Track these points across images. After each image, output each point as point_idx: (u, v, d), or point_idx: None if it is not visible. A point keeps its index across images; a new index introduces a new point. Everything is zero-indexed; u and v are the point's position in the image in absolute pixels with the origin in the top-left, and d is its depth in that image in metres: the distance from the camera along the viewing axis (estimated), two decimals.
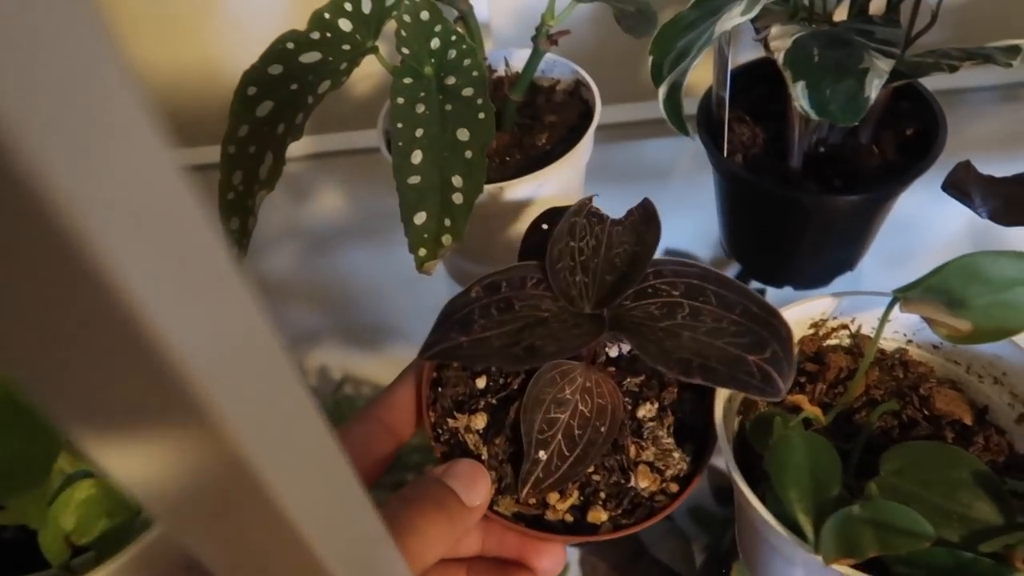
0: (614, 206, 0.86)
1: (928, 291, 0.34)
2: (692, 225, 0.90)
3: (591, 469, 0.34)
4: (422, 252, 0.41)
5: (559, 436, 0.33)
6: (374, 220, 0.82)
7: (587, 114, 0.56)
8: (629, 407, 0.36)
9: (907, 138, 0.52)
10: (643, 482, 0.32)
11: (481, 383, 0.37)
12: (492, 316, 0.32)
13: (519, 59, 0.59)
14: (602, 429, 0.33)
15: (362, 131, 0.78)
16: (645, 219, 0.35)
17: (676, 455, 0.34)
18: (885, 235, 0.55)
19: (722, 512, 0.72)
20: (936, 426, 0.39)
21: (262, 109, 0.44)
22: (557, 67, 0.58)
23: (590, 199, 0.36)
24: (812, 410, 0.37)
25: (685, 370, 0.30)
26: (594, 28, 0.72)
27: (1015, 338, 0.37)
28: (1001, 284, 0.33)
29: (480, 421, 0.35)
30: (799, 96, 0.38)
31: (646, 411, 0.36)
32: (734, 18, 0.40)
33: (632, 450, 0.34)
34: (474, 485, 0.31)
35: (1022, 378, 0.38)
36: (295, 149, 0.80)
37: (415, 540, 0.29)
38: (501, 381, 0.37)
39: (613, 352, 0.38)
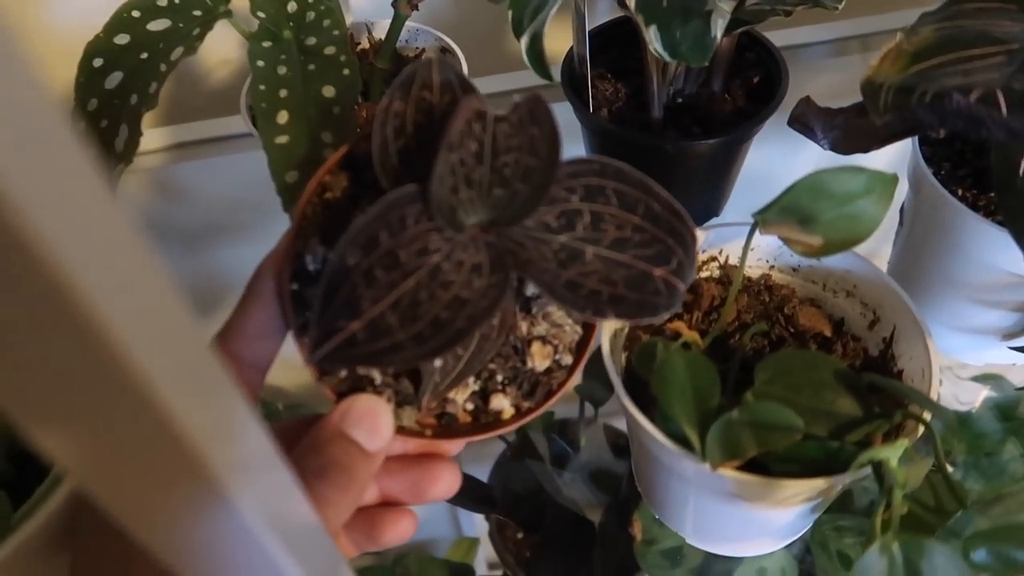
0: None
1: (782, 211, 0.37)
2: None
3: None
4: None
5: None
6: (245, 213, 0.79)
7: None
8: (515, 285, 0.32)
9: (754, 86, 0.55)
10: (538, 360, 0.32)
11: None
12: (378, 282, 0.27)
13: (381, 29, 0.58)
14: (494, 322, 0.30)
15: (224, 118, 0.75)
16: (533, 117, 0.28)
17: (567, 327, 0.32)
18: (746, 184, 0.59)
19: (621, 465, 0.75)
20: (801, 341, 0.42)
21: (111, 81, 0.42)
22: (421, 36, 0.58)
23: (477, 99, 0.28)
24: (690, 335, 0.39)
25: (597, 308, 0.28)
26: (455, 0, 0.72)
27: (861, 252, 0.41)
28: (844, 198, 0.36)
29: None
30: (652, 39, 0.40)
31: (535, 288, 0.32)
32: None
33: (523, 328, 0.32)
34: (377, 428, 0.29)
35: (870, 288, 0.41)
36: (154, 141, 0.76)
37: (328, 511, 0.27)
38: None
39: (551, 297, 0.36)
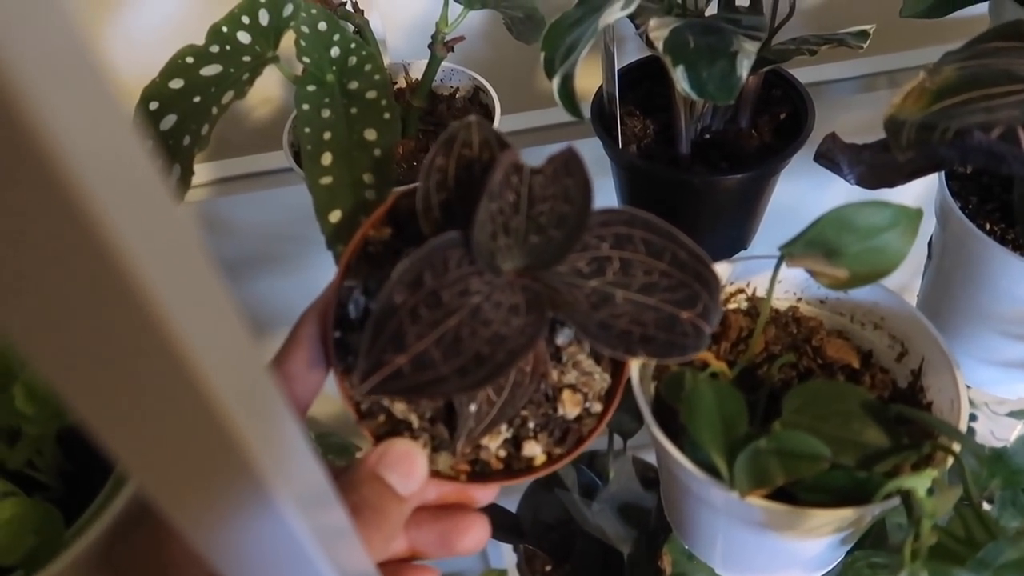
0: None
1: (808, 245, 0.38)
2: None
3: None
4: (340, 248, 0.42)
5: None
6: (287, 245, 0.82)
7: (488, 118, 0.58)
8: (547, 336, 0.34)
9: (781, 122, 0.56)
10: (569, 407, 0.33)
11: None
12: (422, 319, 0.28)
13: (418, 69, 0.61)
14: (527, 369, 0.32)
15: (266, 153, 0.78)
16: (568, 169, 0.30)
17: (597, 375, 0.34)
18: (775, 217, 0.60)
19: (650, 498, 0.75)
20: (829, 372, 0.42)
21: (165, 123, 0.44)
22: (455, 76, 0.61)
23: (516, 153, 0.30)
24: (718, 365, 0.40)
25: (628, 346, 0.29)
26: (489, 42, 0.75)
27: (888, 285, 0.41)
28: (869, 232, 0.37)
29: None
30: (680, 79, 0.41)
31: (564, 337, 0.34)
32: (615, 12, 0.43)
33: (554, 375, 0.33)
34: (412, 472, 0.30)
35: (897, 321, 0.42)
36: (200, 175, 0.79)
37: None
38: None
39: (586, 337, 0.37)
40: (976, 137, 0.32)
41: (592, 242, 0.31)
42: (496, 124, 0.56)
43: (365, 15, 0.56)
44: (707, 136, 0.55)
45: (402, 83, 0.61)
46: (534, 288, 0.30)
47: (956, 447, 0.34)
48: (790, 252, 0.38)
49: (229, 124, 0.77)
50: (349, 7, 0.55)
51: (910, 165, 0.39)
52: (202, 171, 0.78)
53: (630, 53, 0.70)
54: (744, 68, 0.40)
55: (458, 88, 0.61)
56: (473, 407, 0.31)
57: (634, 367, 0.41)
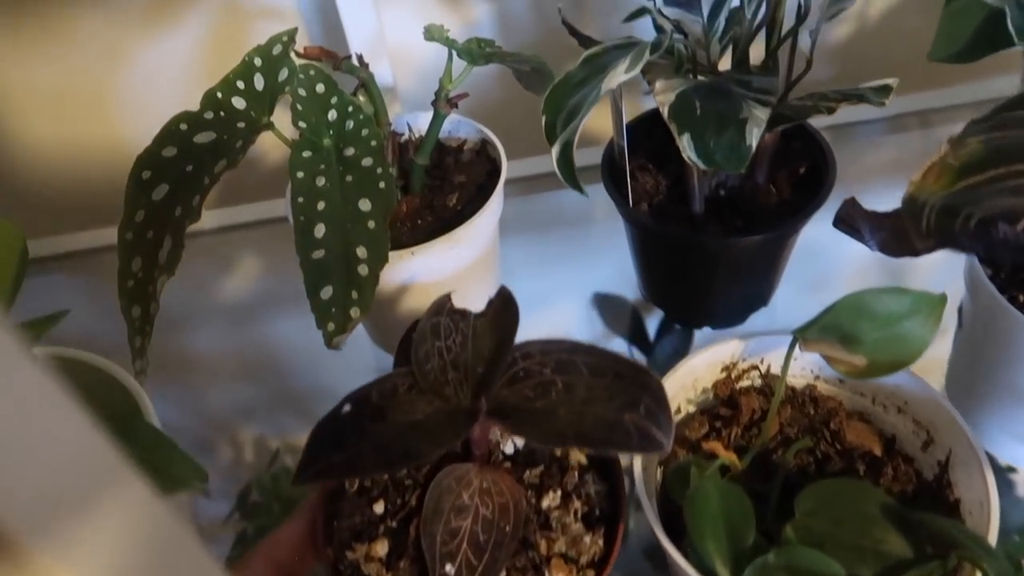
0: (538, 258, 0.86)
1: (823, 330, 0.35)
2: (613, 268, 0.91)
3: (503, 573, 0.33)
4: (330, 327, 0.41)
5: (464, 545, 0.32)
6: (295, 287, 0.81)
7: (495, 172, 0.56)
8: (533, 500, 0.36)
9: (800, 176, 0.54)
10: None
11: (379, 508, 0.36)
12: (364, 429, 0.32)
13: (423, 121, 0.59)
14: (507, 528, 0.32)
15: (276, 200, 0.77)
16: (504, 306, 0.35)
17: (587, 540, 0.34)
18: (797, 264, 0.57)
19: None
20: (848, 459, 0.40)
21: (158, 193, 0.43)
22: (462, 127, 0.59)
23: (448, 298, 0.37)
24: (727, 456, 0.37)
25: (561, 440, 0.31)
26: (498, 84, 0.73)
27: (911, 368, 0.38)
28: (888, 319, 0.34)
29: (381, 548, 0.34)
30: (686, 147, 0.39)
31: (550, 500, 0.35)
32: (619, 75, 0.41)
33: (542, 545, 0.34)
34: None
35: (922, 406, 0.39)
36: (209, 221, 0.79)
37: None
38: (399, 501, 0.36)
39: (508, 448, 0.38)
40: (1001, 230, 0.30)
41: (534, 369, 0.33)
42: (503, 174, 0.54)
43: (372, 66, 0.54)
44: (722, 192, 0.53)
45: (407, 135, 0.60)
46: (474, 405, 0.33)
47: (984, 562, 0.31)
48: (804, 337, 0.36)
49: (243, 167, 0.76)
50: (355, 60, 0.54)
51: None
52: (213, 217, 0.78)
53: (644, 97, 0.68)
54: (754, 137, 0.38)
55: (465, 140, 0.59)
56: (450, 568, 0.30)
57: (637, 459, 0.39)
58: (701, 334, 0.62)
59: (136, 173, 0.44)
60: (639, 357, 0.97)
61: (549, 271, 0.91)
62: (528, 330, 0.95)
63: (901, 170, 0.72)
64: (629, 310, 0.97)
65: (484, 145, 0.59)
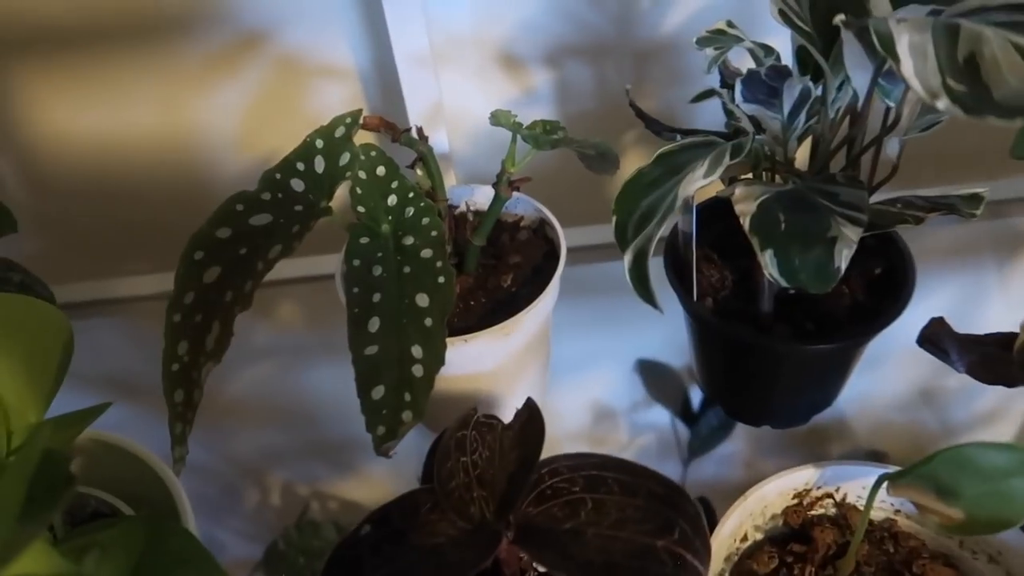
0: (585, 322, 0.84)
1: (918, 479, 0.32)
2: (663, 335, 0.88)
3: None
4: (380, 430, 0.39)
5: None
6: (332, 341, 0.80)
7: (552, 254, 0.54)
8: None
9: (875, 276, 0.51)
10: None
11: None
12: (383, 553, 0.32)
13: (481, 195, 0.58)
14: None
15: (324, 256, 0.76)
16: (530, 419, 0.35)
17: None
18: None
19: None
20: None
21: (209, 275, 0.42)
22: (520, 204, 0.57)
23: (474, 411, 0.36)
24: None
25: (588, 573, 0.29)
26: (556, 153, 0.72)
27: None
28: (993, 474, 0.31)
29: None
30: (768, 264, 0.37)
31: None
32: (697, 180, 0.39)
33: None
34: None
35: (1019, 558, 0.36)
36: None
37: None
38: None
39: (543, 567, 0.36)
40: None
41: (562, 487, 0.32)
42: (561, 264, 0.52)
43: (429, 133, 0.53)
44: (792, 292, 0.50)
45: (464, 208, 0.58)
46: (497, 526, 0.32)
47: None
48: (895, 483, 0.33)
49: None
50: (414, 133, 0.52)
51: None
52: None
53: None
54: (844, 259, 0.36)
55: (523, 217, 0.58)
56: None
57: None
58: (759, 447, 0.60)
59: (188, 253, 0.43)
60: (681, 429, 0.94)
61: (594, 334, 0.89)
62: (569, 395, 0.93)
63: (974, 263, 0.68)
64: (674, 379, 0.94)
65: (542, 224, 0.57)
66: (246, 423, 0.96)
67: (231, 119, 0.70)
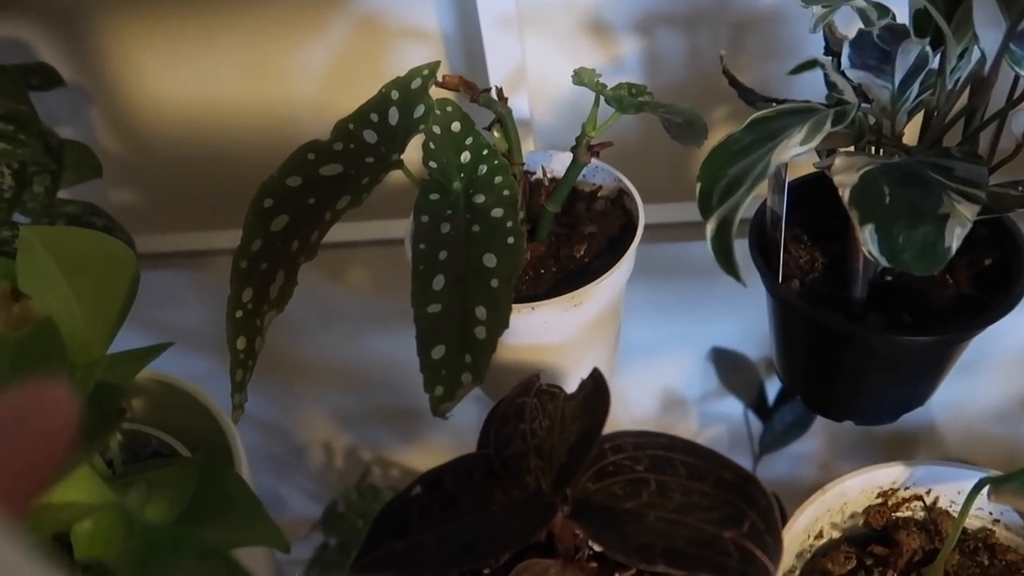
0: (658, 305, 0.81)
1: None
2: (741, 323, 0.85)
3: None
4: (438, 391, 0.37)
5: None
6: (400, 308, 0.80)
7: (629, 226, 0.52)
8: None
9: (984, 267, 0.47)
10: None
11: None
12: (432, 515, 0.31)
13: (559, 162, 0.56)
14: None
15: (397, 220, 0.75)
16: (595, 390, 0.33)
17: None
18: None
19: None
20: None
21: (277, 223, 0.41)
22: (599, 173, 0.55)
23: (536, 377, 0.35)
24: None
25: (646, 556, 0.28)
26: (639, 125, 0.69)
27: None
28: None
29: None
30: (867, 241, 0.33)
31: None
32: (792, 147, 0.36)
33: None
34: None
35: None
36: (327, 235, 0.78)
37: None
38: None
39: (598, 545, 0.34)
40: None
41: (626, 464, 0.31)
42: (639, 235, 0.49)
43: (510, 98, 0.51)
44: (888, 278, 0.46)
45: (540, 175, 0.56)
46: (553, 499, 0.30)
47: None
48: (999, 488, 0.29)
49: None
50: (494, 93, 0.50)
51: None
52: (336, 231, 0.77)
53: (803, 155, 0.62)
54: (956, 239, 0.32)
55: (600, 187, 0.55)
56: None
57: None
58: (845, 439, 0.56)
59: (258, 200, 0.42)
60: (754, 423, 0.90)
61: (667, 319, 0.86)
62: (638, 380, 0.90)
63: None
64: (749, 370, 0.90)
65: (620, 195, 0.54)
66: (316, 385, 0.97)
67: (314, 78, 0.70)
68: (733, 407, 0.88)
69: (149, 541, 0.22)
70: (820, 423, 0.86)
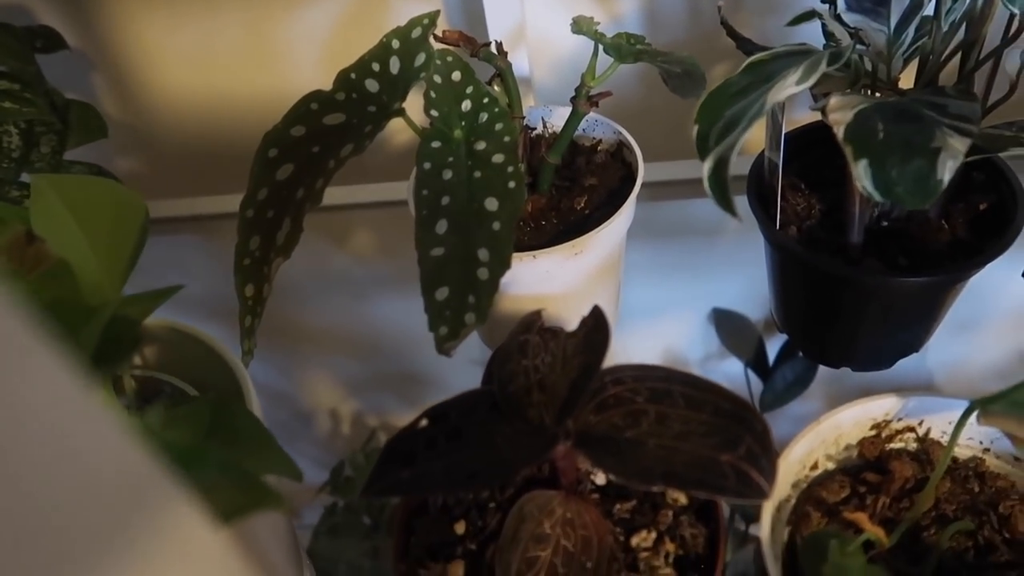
0: (659, 266, 0.82)
1: (1014, 405, 0.30)
2: (741, 284, 0.85)
3: None
4: (443, 331, 0.38)
5: None
6: (406, 272, 0.80)
7: (629, 178, 0.53)
8: (621, 537, 0.34)
9: (980, 212, 0.47)
10: None
11: (460, 528, 0.35)
12: (438, 446, 0.32)
13: (559, 117, 0.56)
14: (588, 565, 0.30)
15: (394, 182, 0.76)
16: (596, 327, 0.34)
17: None
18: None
19: None
20: (1017, 552, 0.34)
21: (282, 172, 0.42)
22: (599, 127, 0.56)
23: (538, 314, 0.35)
24: (874, 531, 0.32)
25: (647, 477, 0.29)
26: (638, 83, 0.69)
27: None
28: None
29: (458, 570, 0.33)
30: (861, 175, 0.34)
31: (640, 539, 0.33)
32: (788, 87, 0.37)
33: None
34: None
35: None
36: (331, 198, 0.79)
37: None
38: (480, 523, 0.34)
39: (600, 479, 0.35)
40: None
41: (625, 396, 0.32)
42: (638, 184, 0.50)
43: (510, 55, 0.52)
44: (885, 223, 0.47)
45: (540, 130, 0.57)
46: (555, 430, 0.31)
47: None
48: (987, 410, 0.30)
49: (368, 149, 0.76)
50: (493, 48, 0.51)
51: None
52: (337, 194, 0.77)
53: (800, 108, 0.62)
54: (947, 171, 0.33)
55: (600, 140, 0.56)
56: None
57: (766, 512, 0.35)
58: (826, 368, 0.57)
59: (263, 150, 0.43)
60: (755, 382, 0.91)
61: (668, 280, 0.86)
62: (639, 341, 0.91)
63: None
64: (749, 330, 0.91)
65: (620, 148, 0.55)
66: (320, 351, 0.98)
67: (315, 40, 0.70)
68: (734, 367, 0.89)
69: (170, 455, 0.23)
70: (820, 385, 0.87)
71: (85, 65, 0.73)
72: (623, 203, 0.49)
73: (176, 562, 0.13)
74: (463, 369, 0.70)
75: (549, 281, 0.49)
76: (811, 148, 0.52)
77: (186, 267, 0.84)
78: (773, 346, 0.88)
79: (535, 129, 0.57)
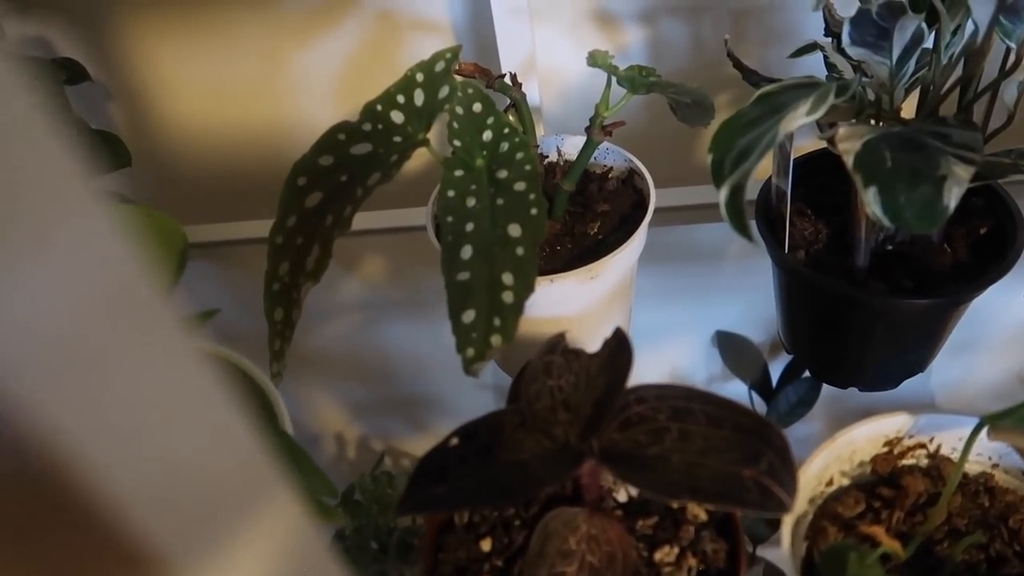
0: (665, 290, 0.84)
1: (1022, 421, 0.31)
2: (746, 308, 0.87)
3: None
4: (470, 352, 0.39)
5: None
6: (420, 295, 0.82)
7: (640, 204, 0.54)
8: (645, 552, 0.35)
9: (980, 236, 0.49)
10: None
11: (486, 545, 0.36)
12: (469, 463, 0.32)
13: (571, 145, 0.58)
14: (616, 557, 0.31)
15: (411, 208, 0.77)
16: (618, 347, 0.34)
17: None
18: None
19: None
20: None
21: (311, 200, 0.43)
22: (610, 155, 0.57)
23: (562, 336, 0.36)
24: (890, 544, 0.34)
25: (673, 491, 0.30)
26: (648, 111, 0.71)
27: None
28: None
29: None
30: (871, 202, 0.36)
31: (663, 555, 0.34)
32: (799, 118, 0.38)
33: None
34: None
35: None
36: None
37: None
38: (506, 540, 0.35)
39: (622, 496, 0.36)
40: None
41: (648, 414, 0.32)
42: (649, 214, 0.52)
43: (524, 87, 0.53)
44: (889, 247, 0.49)
45: (553, 158, 0.58)
46: (581, 447, 0.32)
47: None
48: (996, 426, 0.32)
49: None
50: (508, 79, 0.53)
51: None
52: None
53: (807, 135, 0.64)
54: (953, 197, 0.34)
55: (611, 168, 0.58)
56: None
57: (786, 525, 0.36)
58: (829, 389, 0.58)
59: (292, 179, 0.44)
60: (759, 404, 0.92)
61: (674, 304, 0.88)
62: (645, 363, 0.92)
63: None
64: (753, 353, 0.92)
65: (631, 175, 0.57)
66: (328, 375, 0.99)
67: (329, 72, 0.72)
68: (738, 389, 0.91)
69: None
70: (823, 405, 0.89)
71: (104, 95, 0.74)
72: (635, 228, 0.51)
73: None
74: (470, 393, 0.71)
75: (565, 304, 0.51)
76: (817, 174, 0.54)
77: (208, 294, 0.86)
78: (776, 368, 0.89)
79: (548, 157, 0.59)
